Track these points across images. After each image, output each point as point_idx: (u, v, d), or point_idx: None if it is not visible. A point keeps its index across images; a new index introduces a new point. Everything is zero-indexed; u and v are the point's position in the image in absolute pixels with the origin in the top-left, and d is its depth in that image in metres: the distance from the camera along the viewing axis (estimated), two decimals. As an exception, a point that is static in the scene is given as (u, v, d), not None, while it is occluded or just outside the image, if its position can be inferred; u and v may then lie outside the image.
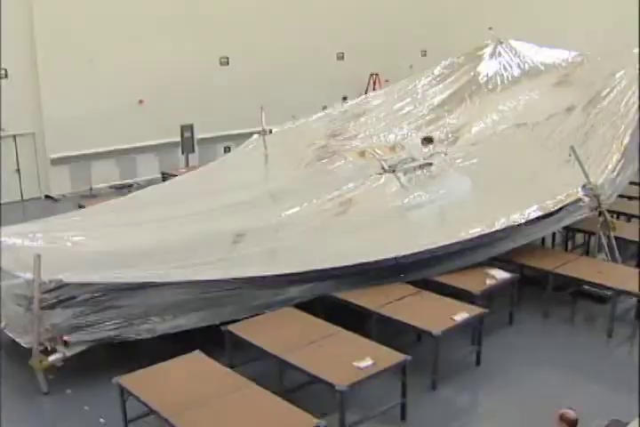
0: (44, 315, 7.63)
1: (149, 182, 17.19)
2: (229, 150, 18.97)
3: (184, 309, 8.18)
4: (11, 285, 8.08)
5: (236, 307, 8.33)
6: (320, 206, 11.02)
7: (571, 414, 5.45)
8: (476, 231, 9.41)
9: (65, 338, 7.79)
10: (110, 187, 16.80)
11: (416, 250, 9.03)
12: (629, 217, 12.54)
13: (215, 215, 10.78)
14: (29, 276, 7.70)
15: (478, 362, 8.49)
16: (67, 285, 7.71)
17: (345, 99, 21.31)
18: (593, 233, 10.85)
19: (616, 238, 10.56)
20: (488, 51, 16.25)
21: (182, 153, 17.59)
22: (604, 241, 10.33)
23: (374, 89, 21.36)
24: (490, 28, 16.69)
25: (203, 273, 8.32)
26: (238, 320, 8.17)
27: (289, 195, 11.55)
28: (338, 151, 13.36)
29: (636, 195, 13.31)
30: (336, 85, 20.81)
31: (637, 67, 13.60)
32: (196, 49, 17.42)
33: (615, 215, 12.21)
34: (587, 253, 11.50)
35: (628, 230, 11.24)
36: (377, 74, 21.34)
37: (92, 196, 16.35)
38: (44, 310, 7.64)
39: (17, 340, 8.00)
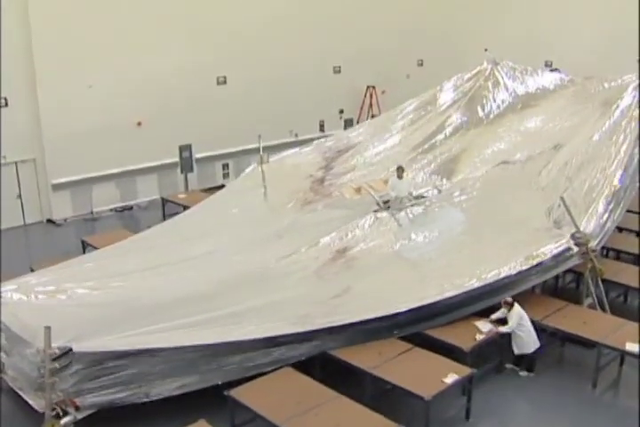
0: (54, 382, 8.00)
1: (150, 203, 17.56)
2: (228, 168, 19.27)
3: (188, 370, 8.55)
4: (22, 351, 8.44)
5: (237, 367, 8.70)
6: (318, 251, 11.37)
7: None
8: (467, 285, 9.75)
9: (75, 402, 8.17)
10: (111, 210, 17.08)
11: (411, 307, 9.38)
12: (618, 253, 12.77)
13: (217, 259, 11.14)
14: (39, 345, 8.04)
15: (468, 416, 8.91)
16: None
17: (342, 112, 21.63)
18: (581, 274, 11.14)
19: (604, 281, 10.92)
20: (484, 73, 16.39)
21: (181, 172, 17.84)
22: (592, 287, 10.68)
23: (371, 102, 21.56)
24: (486, 50, 16.78)
25: (206, 335, 8.66)
26: (240, 379, 8.58)
27: (287, 237, 11.87)
28: (334, 186, 13.65)
29: (629, 226, 13.39)
30: (333, 99, 21.01)
31: (634, 94, 13.81)
32: (194, 69, 17.51)
33: (604, 251, 12.52)
34: (576, 287, 11.79)
35: (614, 270, 11.42)
36: (374, 86, 21.44)
37: (94, 219, 16.70)
38: (54, 377, 8.01)
39: (30, 403, 8.39)
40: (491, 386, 9.56)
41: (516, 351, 9.78)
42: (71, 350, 8.07)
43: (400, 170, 12.96)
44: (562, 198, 10.57)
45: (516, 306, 9.62)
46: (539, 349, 9.72)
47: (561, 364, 10.30)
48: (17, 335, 8.67)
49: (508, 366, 9.95)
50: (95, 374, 8.23)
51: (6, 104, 15.05)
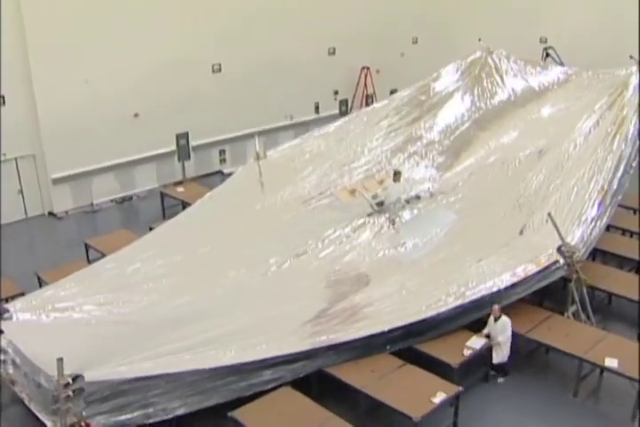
0: (69, 408, 8.53)
1: (149, 193, 17.81)
2: (224, 153, 19.42)
3: (190, 390, 9.05)
4: (34, 376, 8.95)
5: (238, 386, 9.21)
6: (314, 259, 11.82)
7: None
8: (456, 301, 10.19)
9: (89, 424, 8.71)
10: (111, 200, 17.35)
11: (404, 322, 9.85)
12: (604, 254, 13.05)
13: (217, 269, 11.54)
14: (51, 372, 8.53)
15: (455, 429, 9.55)
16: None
17: (337, 93, 21.59)
18: (569, 280, 11.52)
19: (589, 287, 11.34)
20: (478, 62, 16.38)
21: (179, 160, 18.04)
22: (577, 296, 11.13)
23: (365, 82, 21.49)
24: (479, 40, 16.64)
25: (211, 358, 9.13)
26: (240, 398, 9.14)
27: (285, 240, 12.24)
28: (330, 182, 13.91)
29: (617, 224, 13.63)
30: (328, 80, 20.96)
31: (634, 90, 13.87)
32: (188, 58, 17.43)
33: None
34: (563, 287, 12.10)
35: (599, 275, 11.78)
36: (368, 67, 21.32)
37: (94, 211, 17.00)
38: (68, 404, 8.53)
39: (45, 422, 8.95)
40: (477, 395, 10.13)
41: (496, 361, 10.32)
42: (83, 379, 8.58)
43: (398, 174, 13.17)
44: (549, 215, 10.85)
45: (503, 316, 10.12)
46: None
47: (545, 372, 10.83)
48: (29, 360, 9.14)
49: (492, 372, 10.52)
50: (105, 397, 8.72)
51: (3, 102, 15.11)
